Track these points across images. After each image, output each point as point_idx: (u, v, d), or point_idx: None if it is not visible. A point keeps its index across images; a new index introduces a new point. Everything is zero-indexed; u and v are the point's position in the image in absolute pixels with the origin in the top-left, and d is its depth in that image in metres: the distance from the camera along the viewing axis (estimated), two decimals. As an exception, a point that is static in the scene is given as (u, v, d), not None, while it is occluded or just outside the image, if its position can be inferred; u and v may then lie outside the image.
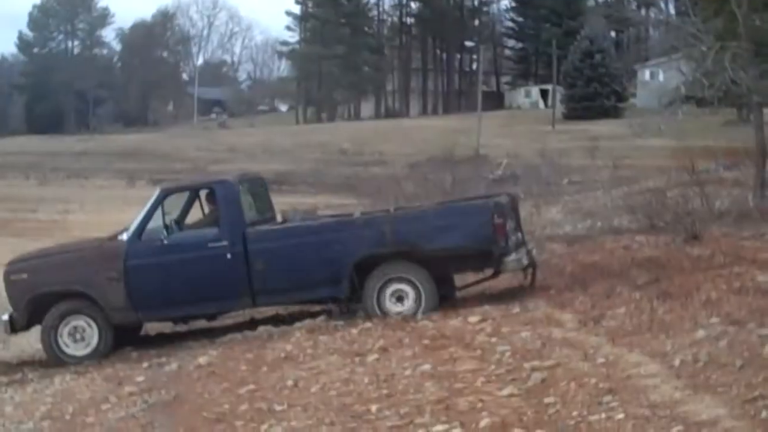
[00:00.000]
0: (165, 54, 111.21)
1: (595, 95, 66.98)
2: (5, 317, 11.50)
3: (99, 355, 10.97)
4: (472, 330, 9.21)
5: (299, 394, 7.67)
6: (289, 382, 8.02)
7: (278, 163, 54.07)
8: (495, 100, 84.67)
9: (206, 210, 11.97)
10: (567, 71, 69.18)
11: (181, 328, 11.98)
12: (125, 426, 7.61)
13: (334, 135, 66.64)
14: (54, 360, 11.11)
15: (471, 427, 6.13)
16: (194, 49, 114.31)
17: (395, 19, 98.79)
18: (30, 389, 9.77)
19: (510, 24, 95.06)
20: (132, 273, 11.04)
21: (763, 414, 5.50)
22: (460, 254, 10.77)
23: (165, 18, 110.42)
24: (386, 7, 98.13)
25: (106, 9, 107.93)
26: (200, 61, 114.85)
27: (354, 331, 9.93)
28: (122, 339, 11.36)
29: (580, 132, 56.10)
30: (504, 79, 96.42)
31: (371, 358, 8.54)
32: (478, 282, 11.61)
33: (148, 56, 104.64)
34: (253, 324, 11.74)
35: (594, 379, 6.70)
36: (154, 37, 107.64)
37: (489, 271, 11.32)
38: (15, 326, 11.45)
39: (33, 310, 11.29)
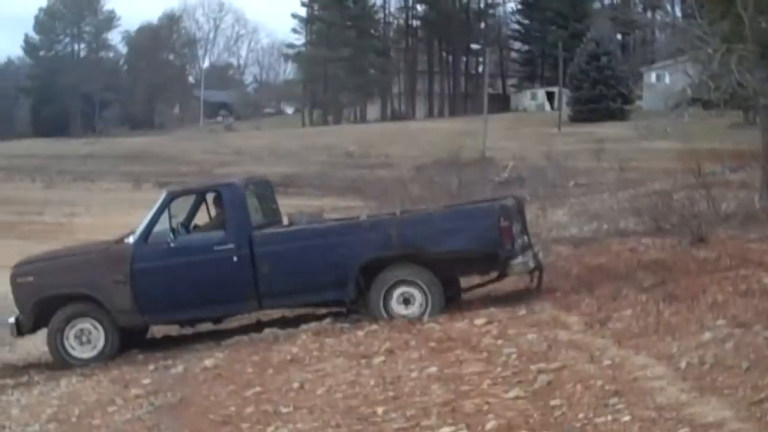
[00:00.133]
0: (171, 57, 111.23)
1: (601, 98, 66.92)
2: (12, 320, 11.51)
3: (105, 358, 10.97)
4: (478, 332, 9.20)
5: (305, 396, 7.67)
6: (295, 385, 8.02)
7: (284, 165, 54.02)
8: (501, 103, 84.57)
9: (213, 213, 11.98)
10: (573, 74, 69.13)
11: (187, 330, 11.98)
12: (131, 428, 7.62)
13: (340, 138, 66.67)
14: (60, 362, 11.11)
15: (477, 430, 6.13)
16: (200, 52, 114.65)
17: (401, 21, 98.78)
18: (36, 392, 9.77)
19: (516, 26, 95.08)
20: (138, 276, 11.05)
21: (770, 416, 5.49)
22: (467, 257, 10.76)
23: (171, 21, 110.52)
24: (392, 9, 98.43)
25: (112, 12, 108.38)
26: (206, 64, 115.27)
27: (360, 333, 9.92)
28: (128, 341, 11.36)
29: (586, 134, 55.97)
30: (510, 81, 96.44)
31: (377, 360, 8.54)
32: (482, 285, 11.61)
33: (155, 59, 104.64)
34: (259, 326, 11.73)
35: (600, 381, 6.69)
36: (161, 39, 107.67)
37: (493, 274, 11.32)
38: (21, 329, 11.45)
39: (39, 312, 11.28)
